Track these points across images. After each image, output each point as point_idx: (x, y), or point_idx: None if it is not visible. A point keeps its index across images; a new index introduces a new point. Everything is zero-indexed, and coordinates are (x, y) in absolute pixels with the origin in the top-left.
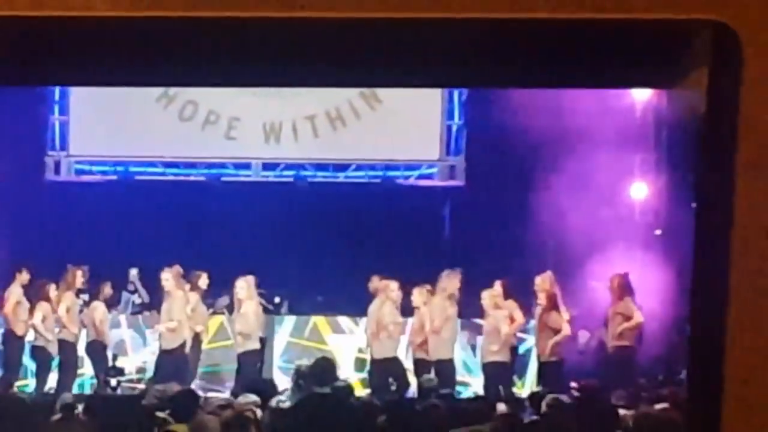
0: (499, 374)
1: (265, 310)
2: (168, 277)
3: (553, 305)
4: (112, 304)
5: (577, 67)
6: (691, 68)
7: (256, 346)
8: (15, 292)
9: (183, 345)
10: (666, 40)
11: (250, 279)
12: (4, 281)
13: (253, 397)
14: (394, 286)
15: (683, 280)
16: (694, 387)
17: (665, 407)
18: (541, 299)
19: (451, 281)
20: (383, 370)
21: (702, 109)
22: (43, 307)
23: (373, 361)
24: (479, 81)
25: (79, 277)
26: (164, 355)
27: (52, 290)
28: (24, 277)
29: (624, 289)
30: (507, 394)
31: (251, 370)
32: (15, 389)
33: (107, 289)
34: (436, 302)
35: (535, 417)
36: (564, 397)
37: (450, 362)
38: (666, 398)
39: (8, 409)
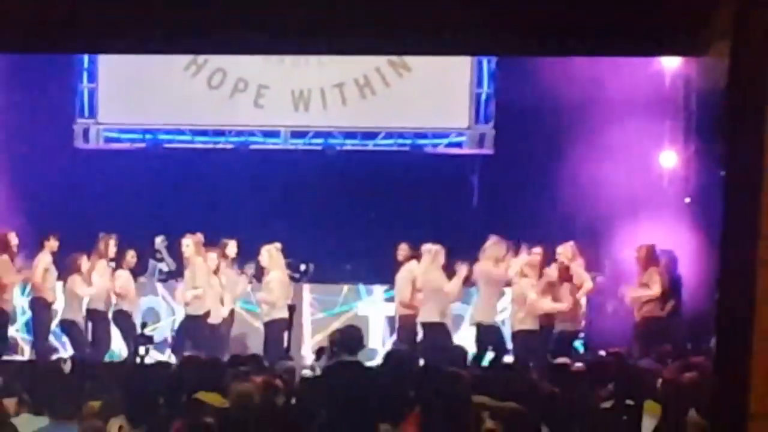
0: (529, 343)
1: (291, 279)
2: (189, 243)
3: (565, 277)
4: (139, 272)
5: (607, 35)
6: (720, 36)
7: (284, 314)
8: (43, 260)
9: (209, 312)
10: (695, 8)
11: (275, 247)
12: (33, 248)
13: (286, 364)
14: (440, 249)
15: (712, 249)
16: (722, 355)
17: (694, 376)
18: (552, 271)
19: (498, 248)
20: (432, 334)
21: (731, 76)
22: (74, 280)
23: (422, 325)
24: (509, 49)
25: (112, 246)
26: (190, 322)
27: (84, 261)
28: (53, 244)
29: (650, 259)
30: (537, 363)
31: (278, 338)
32: (47, 357)
33: (131, 257)
34: (480, 267)
35: (553, 387)
36: (583, 366)
37: (491, 327)
38: (695, 367)
39: (41, 377)
